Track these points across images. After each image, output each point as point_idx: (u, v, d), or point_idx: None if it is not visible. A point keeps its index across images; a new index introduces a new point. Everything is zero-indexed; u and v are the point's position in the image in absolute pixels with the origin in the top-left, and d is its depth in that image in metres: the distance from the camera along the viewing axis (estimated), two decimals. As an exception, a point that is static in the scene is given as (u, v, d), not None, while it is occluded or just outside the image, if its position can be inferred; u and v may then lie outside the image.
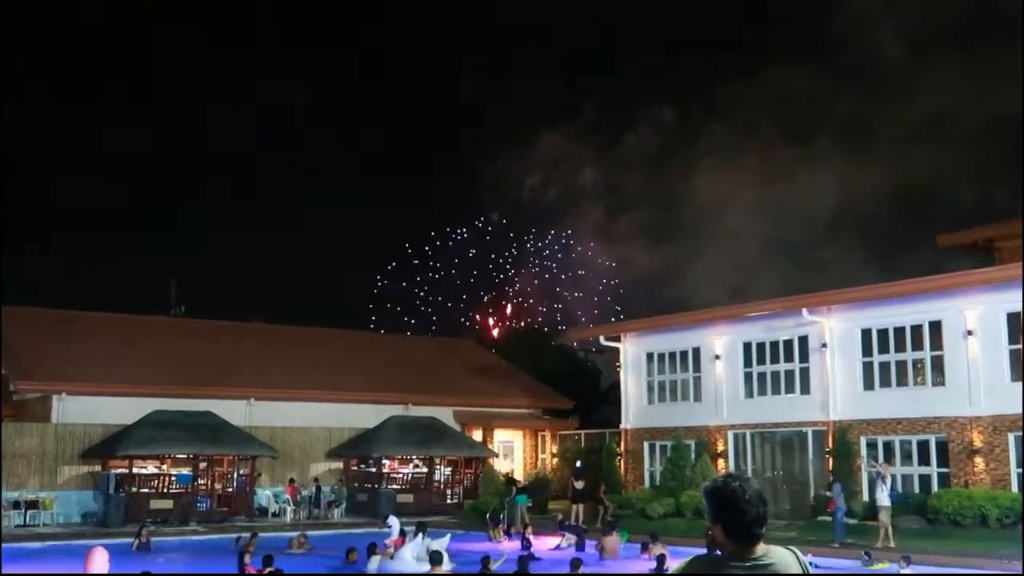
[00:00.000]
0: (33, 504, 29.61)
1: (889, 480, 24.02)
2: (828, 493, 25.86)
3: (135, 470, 30.65)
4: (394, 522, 23.44)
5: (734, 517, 3.63)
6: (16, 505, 29.32)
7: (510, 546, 24.34)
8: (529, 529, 25.79)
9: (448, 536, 22.40)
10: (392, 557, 20.47)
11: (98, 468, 31.20)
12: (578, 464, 32.63)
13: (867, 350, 28.67)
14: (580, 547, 23.56)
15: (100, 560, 11.23)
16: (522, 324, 62.69)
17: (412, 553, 19.92)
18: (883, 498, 23.39)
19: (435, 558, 17.57)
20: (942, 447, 26.69)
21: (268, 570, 17.56)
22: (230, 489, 32.29)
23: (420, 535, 21.08)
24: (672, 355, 34.22)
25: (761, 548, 3.66)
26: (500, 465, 38.90)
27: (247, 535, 25.03)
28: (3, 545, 24.03)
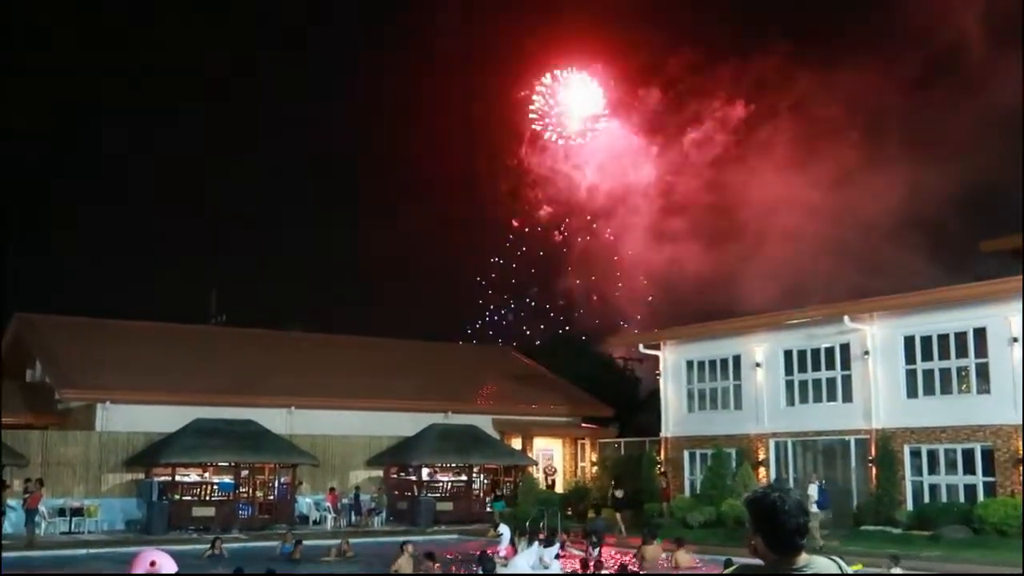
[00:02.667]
0: (78, 511, 30.01)
1: (813, 489, 25.64)
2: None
3: (178, 478, 30.96)
4: (505, 530, 23.59)
5: (774, 528, 3.62)
6: (61, 512, 29.72)
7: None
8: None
9: (558, 546, 22.50)
10: (506, 566, 20.71)
11: (141, 476, 31.56)
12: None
13: (910, 357, 28.35)
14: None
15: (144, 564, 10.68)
16: (563, 330, 62.29)
17: (528, 562, 20.10)
18: (811, 507, 24.72)
19: (487, 566, 17.74)
20: (987, 456, 26.31)
21: None
22: (271, 497, 32.52)
23: (534, 544, 21.32)
24: (712, 363, 34.04)
25: (803, 558, 3.65)
26: (537, 473, 38.88)
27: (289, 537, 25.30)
28: (49, 553, 24.50)
